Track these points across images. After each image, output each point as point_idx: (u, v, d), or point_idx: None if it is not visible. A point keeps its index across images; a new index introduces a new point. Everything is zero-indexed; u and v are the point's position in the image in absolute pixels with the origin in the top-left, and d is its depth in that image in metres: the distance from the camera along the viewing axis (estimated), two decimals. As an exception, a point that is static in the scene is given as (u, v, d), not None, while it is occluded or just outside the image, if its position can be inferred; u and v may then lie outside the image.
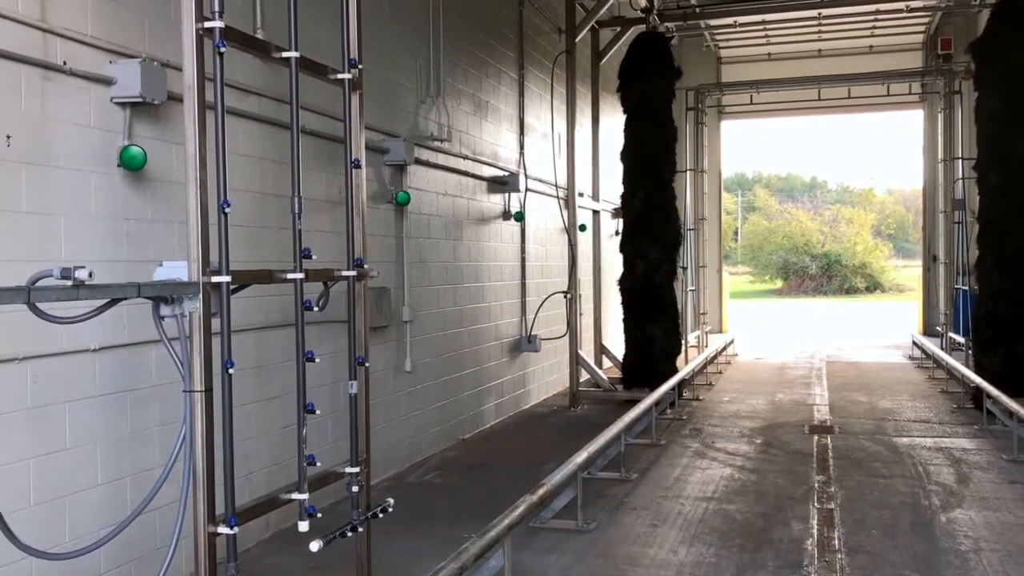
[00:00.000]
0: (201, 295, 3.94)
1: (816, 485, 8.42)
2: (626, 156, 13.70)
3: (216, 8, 3.98)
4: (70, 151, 5.24)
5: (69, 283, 3.47)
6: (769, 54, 23.56)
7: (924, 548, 6.63)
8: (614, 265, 15.07)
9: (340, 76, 4.95)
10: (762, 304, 42.99)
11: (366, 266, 5.17)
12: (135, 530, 4.87)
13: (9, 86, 4.85)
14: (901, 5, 17.87)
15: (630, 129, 13.64)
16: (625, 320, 13.66)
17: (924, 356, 17.60)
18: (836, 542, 6.75)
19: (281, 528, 6.89)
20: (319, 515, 4.54)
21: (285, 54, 4.51)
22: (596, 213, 15.55)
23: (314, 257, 4.57)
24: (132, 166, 5.56)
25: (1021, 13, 11.85)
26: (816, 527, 7.13)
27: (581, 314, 14.12)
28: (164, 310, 3.96)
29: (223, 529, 4.03)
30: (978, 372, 12.05)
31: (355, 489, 4.95)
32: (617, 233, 15.51)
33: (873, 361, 18.60)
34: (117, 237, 5.58)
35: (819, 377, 16.05)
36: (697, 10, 16.68)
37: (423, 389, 9.75)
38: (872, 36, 22.17)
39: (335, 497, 6.76)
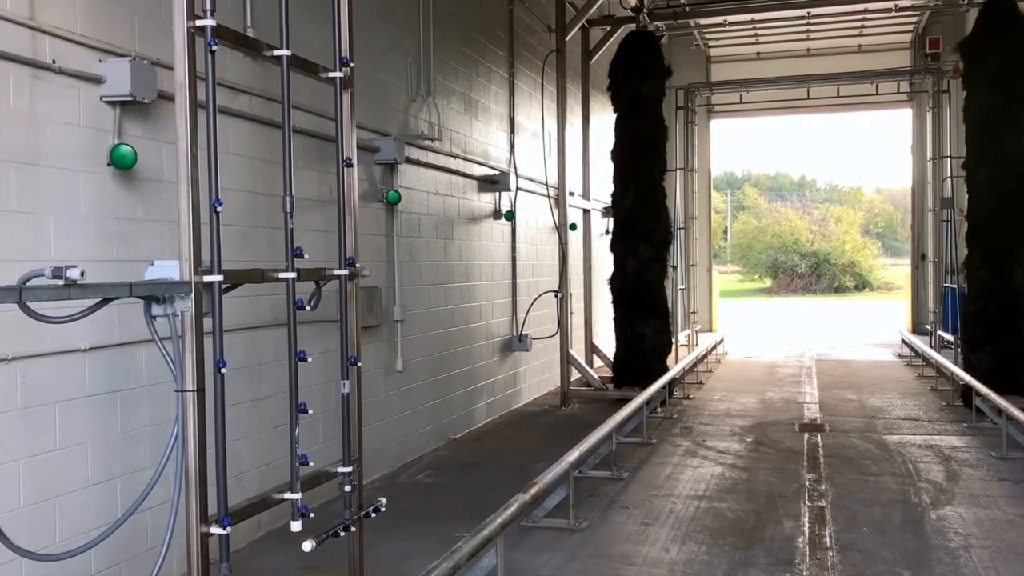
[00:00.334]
0: (193, 294, 3.93)
1: (807, 483, 8.45)
2: (616, 155, 13.71)
3: (207, 6, 3.96)
4: (60, 150, 5.22)
5: (61, 283, 3.45)
6: (758, 53, 23.61)
7: (915, 545, 6.66)
8: (605, 264, 15.08)
9: (331, 74, 4.93)
10: (751, 303, 43.10)
11: (358, 265, 5.15)
12: (127, 530, 4.85)
13: (-2, 85, 4.83)
14: (889, 5, 17.93)
15: (620, 128, 13.65)
16: (616, 319, 13.67)
17: (913, 354, 17.67)
18: (827, 539, 6.77)
19: (273, 528, 6.87)
20: (311, 515, 4.52)
21: (276, 52, 4.49)
22: (587, 212, 15.56)
23: (306, 256, 4.55)
24: (122, 165, 5.54)
25: (1008, 12, 11.92)
26: (807, 525, 7.15)
27: (572, 313, 14.13)
28: (156, 310, 3.93)
29: (216, 529, 4.01)
30: (967, 370, 12.11)
31: (347, 489, 4.93)
32: (607, 232, 15.52)
33: (863, 359, 18.67)
34: (107, 236, 5.56)
35: (809, 375, 16.10)
36: (687, 9, 16.70)
37: (414, 389, 9.74)
38: (861, 35, 22.24)
39: (327, 497, 6.75)
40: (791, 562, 6.30)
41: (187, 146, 3.91)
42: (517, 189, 12.59)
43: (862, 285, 53.19)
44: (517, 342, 12.81)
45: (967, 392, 11.63)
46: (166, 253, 5.44)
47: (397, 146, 8.90)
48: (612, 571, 6.22)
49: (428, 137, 10.05)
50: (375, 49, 8.85)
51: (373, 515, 5.12)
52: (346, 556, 5.16)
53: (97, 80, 5.42)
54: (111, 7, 5.59)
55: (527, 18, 13.79)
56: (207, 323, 4.00)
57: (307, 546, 4.43)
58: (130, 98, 5.42)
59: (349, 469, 4.97)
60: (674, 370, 13.29)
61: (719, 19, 19.57)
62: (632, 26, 14.27)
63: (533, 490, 6.35)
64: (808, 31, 21.53)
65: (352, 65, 5.04)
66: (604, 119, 15.41)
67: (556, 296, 13.47)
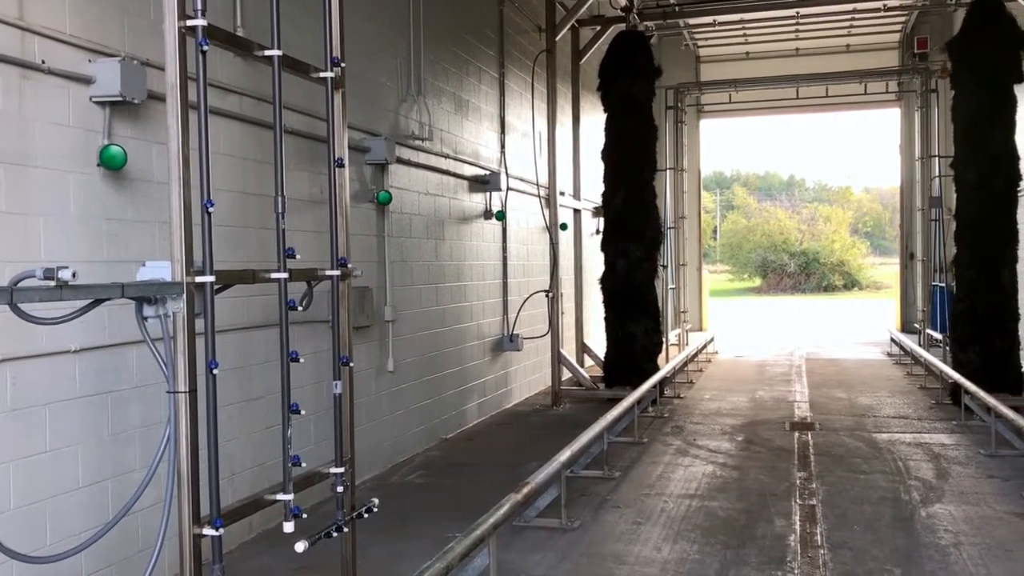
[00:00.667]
0: (185, 295, 3.92)
1: (798, 481, 8.47)
2: (607, 155, 13.72)
3: (198, 6, 3.95)
4: (49, 151, 5.19)
5: (52, 284, 3.44)
6: (747, 53, 23.68)
7: (905, 543, 6.69)
8: (595, 264, 15.09)
9: (323, 75, 4.93)
10: (741, 302, 43.20)
11: (349, 266, 5.15)
12: (118, 532, 4.83)
13: (-13, 85, 4.81)
14: (878, 4, 17.97)
15: (611, 128, 13.66)
16: (606, 318, 13.68)
17: (902, 353, 17.74)
18: (818, 537, 6.79)
19: (265, 529, 6.85)
20: (304, 516, 4.52)
21: (268, 52, 4.48)
22: (577, 212, 15.57)
23: (298, 257, 4.55)
24: (112, 166, 5.52)
25: (997, 12, 11.97)
26: (798, 523, 7.17)
27: (563, 313, 14.13)
28: (147, 311, 3.92)
29: (208, 530, 4.00)
30: (956, 368, 12.17)
31: (340, 489, 4.93)
32: (598, 232, 15.52)
33: (852, 358, 18.74)
34: (97, 237, 5.53)
35: (799, 374, 16.15)
36: (676, 9, 16.72)
37: (406, 389, 9.73)
38: (849, 35, 22.33)
39: (319, 498, 6.73)
40: (782, 560, 6.32)
41: (178, 146, 3.90)
42: (508, 189, 12.59)
43: (851, 284, 53.39)
44: (508, 342, 12.81)
45: (956, 390, 11.68)
46: (156, 254, 5.42)
47: (388, 146, 8.89)
48: (604, 570, 6.23)
49: (419, 137, 10.05)
50: (366, 49, 8.84)
51: (366, 516, 5.11)
52: (339, 557, 5.16)
53: (87, 80, 5.39)
54: (100, 7, 5.57)
55: (517, 18, 13.80)
56: (198, 324, 3.99)
57: (300, 547, 4.42)
58: (120, 98, 5.40)
59: (341, 470, 4.96)
60: (665, 369, 13.32)
61: (708, 19, 19.61)
62: (622, 26, 14.28)
63: (525, 490, 6.36)
64: (797, 31, 21.61)
65: (343, 65, 5.04)
66: (594, 119, 15.42)
67: (547, 296, 13.48)
